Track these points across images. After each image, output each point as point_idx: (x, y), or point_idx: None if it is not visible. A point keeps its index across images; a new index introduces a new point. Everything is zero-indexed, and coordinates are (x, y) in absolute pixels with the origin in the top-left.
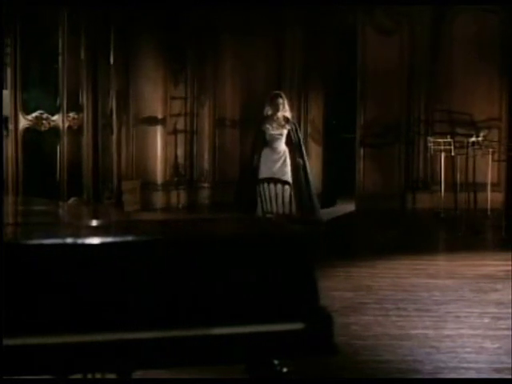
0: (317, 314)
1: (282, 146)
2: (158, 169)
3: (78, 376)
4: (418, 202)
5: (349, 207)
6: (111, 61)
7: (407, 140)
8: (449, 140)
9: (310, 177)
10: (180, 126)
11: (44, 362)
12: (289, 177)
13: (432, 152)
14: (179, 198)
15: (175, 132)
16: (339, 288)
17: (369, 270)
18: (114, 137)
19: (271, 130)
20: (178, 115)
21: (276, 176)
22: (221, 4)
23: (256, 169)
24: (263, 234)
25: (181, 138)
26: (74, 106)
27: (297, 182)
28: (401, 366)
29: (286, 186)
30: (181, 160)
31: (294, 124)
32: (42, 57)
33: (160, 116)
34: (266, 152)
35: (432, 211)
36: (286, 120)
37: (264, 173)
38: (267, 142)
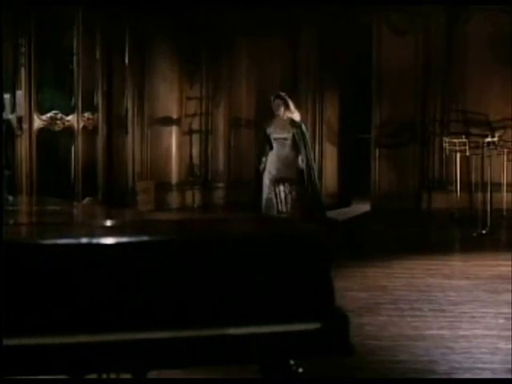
0: (333, 314)
1: (286, 150)
2: (173, 169)
3: (93, 376)
4: (433, 201)
5: (364, 207)
6: (126, 61)
7: (422, 140)
8: (464, 140)
9: (317, 181)
10: (195, 126)
11: (60, 362)
12: (293, 184)
13: (447, 152)
14: (194, 197)
15: (190, 132)
16: (354, 288)
17: (384, 270)
18: (129, 137)
19: (274, 133)
20: (193, 115)
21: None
22: (236, 4)
23: (263, 171)
24: (279, 234)
25: (196, 138)
26: (89, 106)
27: (303, 187)
28: (416, 366)
29: (293, 187)
30: (196, 160)
31: (301, 127)
32: (56, 57)
33: (175, 116)
34: (271, 156)
35: (447, 211)
36: (292, 123)
37: (271, 177)
38: (272, 145)
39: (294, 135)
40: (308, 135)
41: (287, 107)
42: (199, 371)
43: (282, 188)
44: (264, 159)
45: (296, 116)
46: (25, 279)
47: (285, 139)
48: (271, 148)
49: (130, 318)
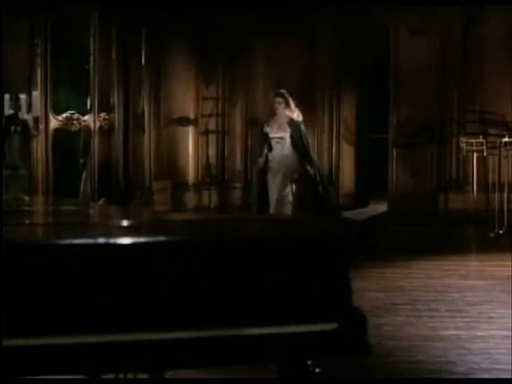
0: (350, 315)
1: (284, 150)
2: (190, 169)
3: (110, 376)
4: (449, 202)
5: (381, 207)
6: (143, 61)
7: (439, 140)
8: (481, 140)
9: (325, 179)
10: (212, 126)
11: (77, 361)
12: (294, 187)
13: (464, 152)
14: (210, 198)
15: (207, 132)
16: (372, 288)
17: (401, 271)
18: (146, 137)
19: (271, 133)
20: (210, 115)
21: (280, 188)
22: (253, 5)
23: (261, 175)
24: (297, 234)
25: (212, 138)
26: (106, 107)
27: (307, 189)
28: (433, 367)
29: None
30: (212, 160)
31: (299, 126)
32: (72, 57)
33: (192, 116)
34: (269, 157)
35: (464, 211)
36: (290, 122)
37: (269, 182)
38: (270, 146)
39: (291, 135)
40: (307, 135)
41: (287, 105)
42: (217, 371)
43: (286, 189)
44: (261, 160)
45: (296, 115)
46: (42, 280)
47: (281, 138)
48: (270, 148)
49: (148, 318)
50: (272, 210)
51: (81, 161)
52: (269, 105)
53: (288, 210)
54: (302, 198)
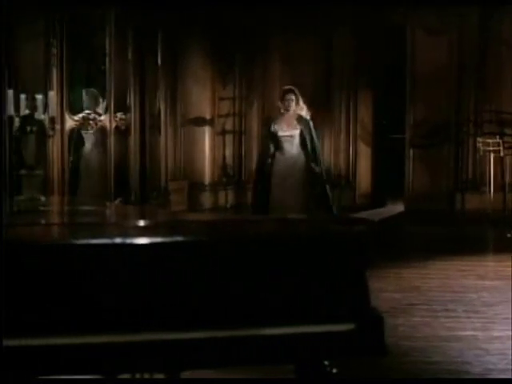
0: (367, 315)
1: (294, 149)
2: (206, 169)
3: (127, 376)
4: (466, 202)
5: (398, 208)
6: (159, 61)
7: (456, 140)
8: (498, 140)
9: (328, 184)
10: (228, 126)
11: (95, 361)
12: (303, 187)
13: (481, 152)
14: (227, 198)
15: (223, 132)
16: (388, 289)
17: (418, 271)
18: (162, 137)
19: (281, 131)
20: (227, 116)
21: (289, 189)
22: (269, 5)
23: (269, 176)
24: (314, 235)
25: (229, 138)
26: (122, 107)
27: (314, 191)
28: (450, 367)
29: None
30: (229, 160)
31: (308, 123)
32: (88, 57)
33: (208, 116)
34: (277, 157)
35: (481, 212)
36: (299, 119)
37: (277, 183)
38: (279, 146)
39: (301, 132)
40: (316, 132)
41: (297, 102)
42: (233, 371)
43: (294, 189)
44: (268, 162)
45: (304, 112)
46: (60, 279)
47: (291, 136)
48: (276, 148)
49: (165, 318)
50: (276, 210)
51: (97, 161)
52: (276, 103)
53: (296, 210)
54: (310, 198)
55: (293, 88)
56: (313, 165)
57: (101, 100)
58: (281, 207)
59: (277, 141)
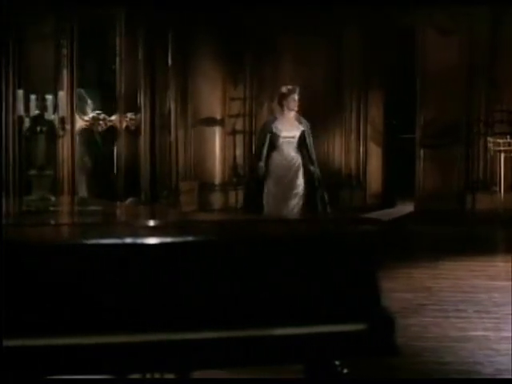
0: (379, 315)
1: (293, 151)
2: (217, 169)
3: (138, 376)
4: (477, 202)
5: (409, 208)
6: (169, 61)
7: (467, 141)
8: (508, 140)
9: (323, 186)
10: (239, 126)
11: (106, 361)
12: (301, 190)
13: (491, 152)
14: (237, 198)
15: (234, 133)
16: (399, 289)
17: (429, 271)
18: (172, 137)
19: (283, 131)
20: (237, 116)
21: (286, 191)
22: (281, 4)
23: (263, 178)
24: (326, 235)
25: (239, 138)
26: (132, 107)
27: (311, 194)
28: (461, 367)
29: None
30: (239, 160)
31: (307, 124)
32: (99, 57)
33: (219, 117)
34: (274, 159)
35: (491, 212)
36: (300, 120)
37: (272, 186)
38: (276, 147)
39: (302, 133)
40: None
41: (298, 102)
42: (244, 371)
43: (292, 190)
44: (262, 164)
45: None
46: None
47: (293, 137)
48: (273, 149)
49: (177, 318)
50: (270, 211)
51: (107, 161)
52: (275, 103)
53: (295, 211)
54: (307, 198)
55: (296, 87)
56: (310, 166)
57: (89, 101)
58: (275, 209)
59: (276, 141)
